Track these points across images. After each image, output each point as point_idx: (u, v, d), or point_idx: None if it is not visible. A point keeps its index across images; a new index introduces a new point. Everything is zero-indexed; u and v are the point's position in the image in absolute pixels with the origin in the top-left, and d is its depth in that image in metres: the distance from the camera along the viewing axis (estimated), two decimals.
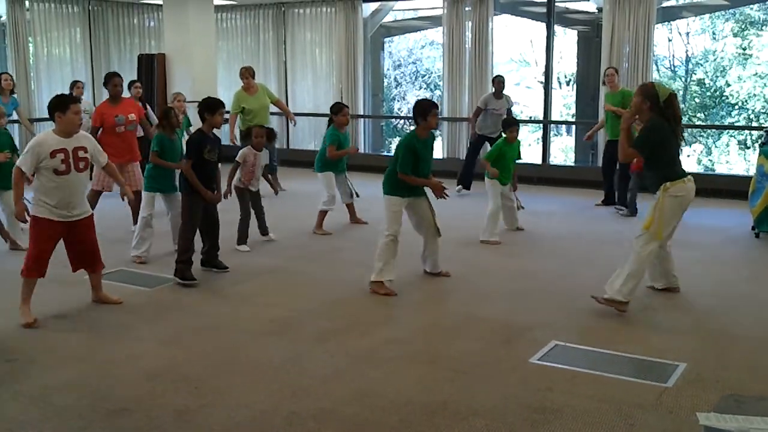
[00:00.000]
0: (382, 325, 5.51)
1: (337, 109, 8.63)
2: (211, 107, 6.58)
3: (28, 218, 5.49)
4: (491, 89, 11.17)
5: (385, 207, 6.42)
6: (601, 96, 11.76)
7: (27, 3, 13.30)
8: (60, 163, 5.36)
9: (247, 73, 10.91)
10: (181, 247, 6.59)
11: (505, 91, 11.02)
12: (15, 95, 11.02)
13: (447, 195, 6.49)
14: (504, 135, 8.33)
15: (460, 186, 11.13)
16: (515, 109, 20.55)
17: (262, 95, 10.96)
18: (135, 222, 8.41)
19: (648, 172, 5.76)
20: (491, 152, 8.37)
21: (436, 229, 6.57)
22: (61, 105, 5.41)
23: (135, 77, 13.54)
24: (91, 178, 6.96)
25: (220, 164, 6.75)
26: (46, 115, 13.95)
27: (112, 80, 8.31)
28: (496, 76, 11.13)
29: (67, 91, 12.01)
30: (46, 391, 4.27)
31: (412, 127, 6.39)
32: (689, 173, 5.69)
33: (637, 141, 5.66)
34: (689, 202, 5.67)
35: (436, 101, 7.01)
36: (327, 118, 8.85)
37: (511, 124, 8.44)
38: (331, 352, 4.92)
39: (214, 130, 6.76)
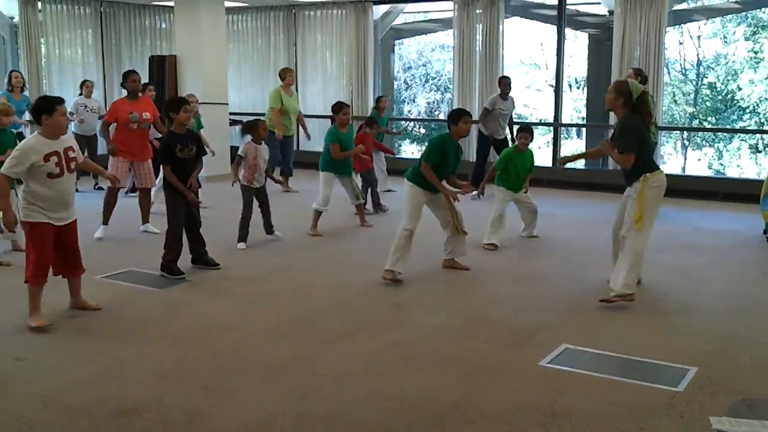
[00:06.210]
0: (391, 327, 5.50)
1: (338, 108, 8.60)
2: (174, 106, 6.70)
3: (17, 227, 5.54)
4: (497, 90, 11.16)
5: (406, 198, 6.52)
6: None
7: (39, 4, 13.33)
8: (54, 167, 5.18)
9: (291, 74, 11.59)
10: (169, 246, 6.67)
11: (511, 93, 11.05)
12: (26, 93, 11.06)
13: (458, 199, 6.56)
14: (513, 139, 8.28)
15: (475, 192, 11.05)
16: (525, 112, 20.58)
17: (295, 99, 11.78)
18: (145, 221, 8.45)
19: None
20: (499, 160, 8.30)
21: (456, 229, 6.64)
22: (48, 107, 5.19)
23: (147, 78, 13.58)
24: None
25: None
26: None
27: (129, 77, 8.41)
28: (503, 77, 11.18)
29: (78, 92, 12.07)
30: (55, 391, 4.28)
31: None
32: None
33: (625, 144, 5.74)
34: (663, 191, 5.91)
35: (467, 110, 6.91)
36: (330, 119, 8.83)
37: (523, 130, 8.29)
38: (341, 353, 4.91)
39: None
